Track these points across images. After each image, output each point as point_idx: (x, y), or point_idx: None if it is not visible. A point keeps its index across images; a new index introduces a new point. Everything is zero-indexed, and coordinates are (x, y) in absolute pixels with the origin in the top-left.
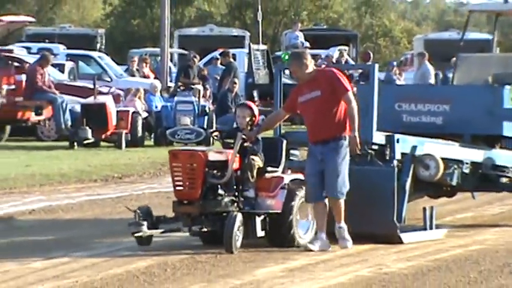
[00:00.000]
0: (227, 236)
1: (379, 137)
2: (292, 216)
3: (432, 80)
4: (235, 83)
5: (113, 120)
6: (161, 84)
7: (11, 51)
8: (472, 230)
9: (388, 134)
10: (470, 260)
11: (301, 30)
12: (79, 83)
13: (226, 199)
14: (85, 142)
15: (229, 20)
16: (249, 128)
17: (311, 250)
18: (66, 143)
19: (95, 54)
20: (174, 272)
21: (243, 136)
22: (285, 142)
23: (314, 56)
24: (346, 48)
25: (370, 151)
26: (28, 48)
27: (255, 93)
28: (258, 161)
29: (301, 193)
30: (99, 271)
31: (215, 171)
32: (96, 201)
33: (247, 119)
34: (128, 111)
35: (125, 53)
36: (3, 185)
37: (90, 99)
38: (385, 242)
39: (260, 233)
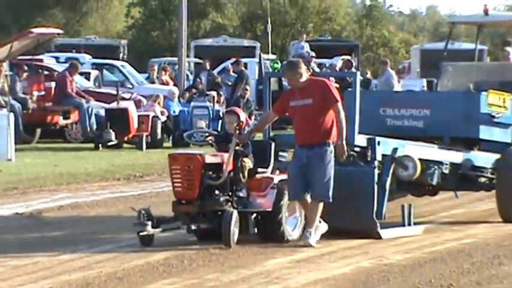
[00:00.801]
0: (225, 232)
1: (361, 140)
2: (281, 214)
3: (396, 84)
4: (247, 90)
5: (134, 123)
6: (179, 90)
7: (41, 60)
8: (465, 225)
9: (369, 136)
10: (463, 252)
11: (307, 41)
12: (103, 90)
13: (222, 199)
14: (109, 144)
15: (241, 31)
16: (237, 132)
17: (312, 246)
18: (92, 145)
19: (118, 63)
20: (191, 263)
21: (237, 140)
22: (273, 144)
23: (319, 65)
24: (349, 57)
25: (352, 152)
26: (56, 58)
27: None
28: (248, 163)
29: (287, 193)
30: (122, 262)
31: (211, 173)
32: (119, 198)
33: (235, 124)
34: (148, 115)
35: (146, 62)
36: (34, 184)
37: (114, 105)
38: (365, 238)
39: (253, 230)
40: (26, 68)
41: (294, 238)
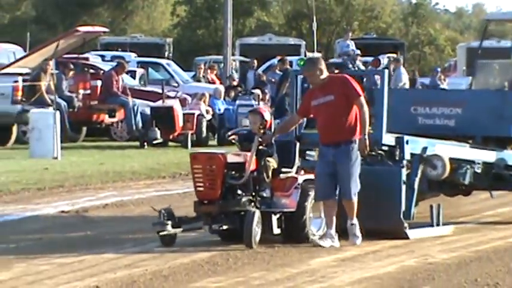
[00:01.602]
0: (247, 232)
1: (389, 139)
2: (305, 214)
3: (406, 82)
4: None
5: (179, 122)
6: (224, 88)
7: (87, 59)
8: (511, 224)
9: (398, 135)
10: (509, 250)
11: (352, 39)
12: (149, 88)
13: (244, 198)
14: (154, 142)
15: (287, 29)
16: (261, 131)
17: (321, 246)
18: (137, 143)
19: (163, 61)
20: (236, 261)
21: (259, 139)
22: (298, 144)
23: (364, 63)
24: (395, 55)
25: (380, 152)
26: (102, 56)
27: None
28: (272, 163)
29: (313, 192)
30: (167, 261)
31: (233, 173)
32: (164, 196)
33: (258, 123)
34: (194, 113)
35: (191, 60)
36: (80, 182)
37: (159, 103)
38: (392, 238)
39: (276, 230)
40: (72, 66)
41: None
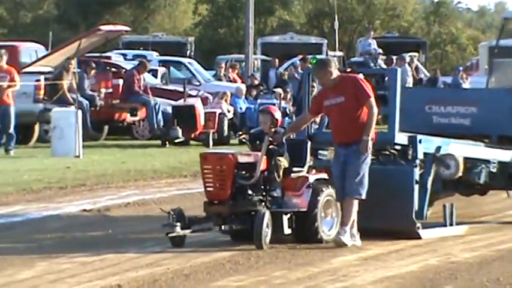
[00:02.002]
0: (257, 233)
1: (401, 138)
2: (317, 214)
3: (410, 80)
4: (313, 87)
5: (201, 120)
6: (246, 87)
7: (109, 57)
8: None
9: (410, 134)
10: None
11: (374, 38)
12: (170, 87)
13: (255, 199)
14: (176, 141)
15: (308, 28)
16: (272, 130)
17: (343, 243)
18: (159, 142)
19: (185, 60)
20: (257, 260)
21: (270, 138)
22: (309, 143)
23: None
24: (416, 54)
25: (392, 151)
26: (124, 55)
27: None
28: (283, 162)
29: (325, 191)
30: (189, 259)
31: (244, 173)
32: (186, 195)
33: (269, 123)
34: (215, 112)
35: (212, 59)
36: (101, 180)
37: (181, 102)
38: (405, 238)
39: (287, 230)
40: (94, 65)
41: (330, 239)
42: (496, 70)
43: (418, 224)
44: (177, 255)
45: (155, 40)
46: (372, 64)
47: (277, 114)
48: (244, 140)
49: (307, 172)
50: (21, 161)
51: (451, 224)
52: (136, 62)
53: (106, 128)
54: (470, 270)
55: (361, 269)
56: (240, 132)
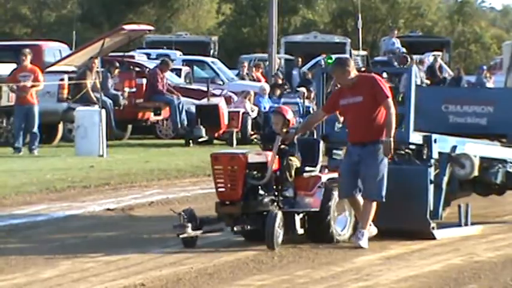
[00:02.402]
0: (269, 234)
1: (416, 137)
2: (330, 213)
3: (417, 80)
4: (337, 86)
5: (225, 120)
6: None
7: (132, 57)
8: None
9: (425, 134)
10: None
11: (397, 37)
12: (194, 86)
13: (267, 199)
14: (199, 140)
15: (332, 27)
16: (284, 131)
17: (362, 247)
18: (182, 141)
19: (208, 59)
20: (281, 259)
21: (282, 138)
22: (321, 143)
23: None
24: (440, 53)
25: (407, 150)
26: (148, 55)
27: None
28: (295, 162)
29: (337, 191)
30: (212, 258)
31: (255, 173)
32: (209, 194)
33: (281, 124)
34: (239, 111)
35: (236, 59)
36: (125, 179)
37: (204, 101)
38: (419, 238)
39: (300, 230)
40: (117, 64)
41: (344, 238)
42: None
43: (433, 224)
44: (201, 254)
45: (179, 39)
46: (395, 63)
47: (289, 115)
48: (256, 140)
49: (320, 171)
50: (45, 160)
51: (466, 224)
52: (159, 62)
53: (130, 127)
54: (494, 269)
55: (384, 268)
56: (252, 132)
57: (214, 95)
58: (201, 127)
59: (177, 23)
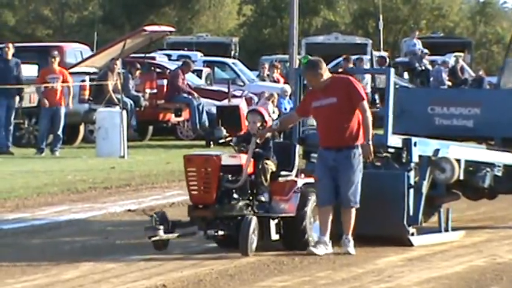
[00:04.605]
0: (243, 239)
1: (395, 140)
2: (305, 219)
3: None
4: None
5: (245, 121)
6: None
7: (153, 58)
8: None
9: (405, 137)
10: None
11: (419, 38)
12: (215, 87)
13: (241, 203)
14: (220, 141)
15: (353, 28)
16: (259, 132)
17: (315, 254)
18: (203, 142)
19: (229, 60)
20: (302, 260)
21: (257, 141)
22: (297, 147)
23: (431, 62)
24: (462, 54)
25: (386, 154)
26: (168, 56)
27: (377, 96)
28: (271, 165)
29: (314, 196)
30: (233, 260)
31: (229, 176)
32: None
33: (258, 124)
34: None
35: (257, 60)
36: (146, 181)
37: (225, 102)
38: (396, 245)
39: (274, 236)
40: (138, 65)
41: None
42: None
43: (413, 230)
44: (222, 255)
45: (199, 41)
46: (416, 64)
47: (267, 116)
48: (230, 143)
49: (296, 176)
50: (66, 162)
51: (446, 230)
52: (180, 63)
53: (150, 128)
54: None
55: (405, 270)
56: (227, 135)
57: (235, 96)
58: (222, 128)
59: (198, 24)
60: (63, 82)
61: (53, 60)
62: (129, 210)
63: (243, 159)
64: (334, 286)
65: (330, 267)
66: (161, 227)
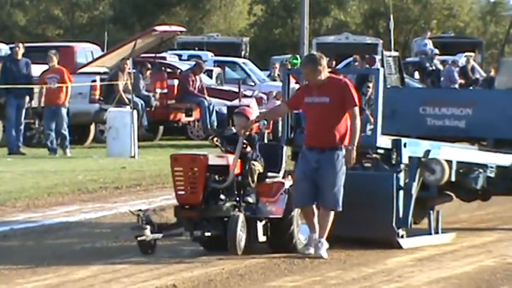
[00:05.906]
0: (231, 237)
1: (385, 141)
2: (293, 221)
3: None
4: (369, 87)
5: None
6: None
7: (164, 58)
8: None
9: (395, 138)
10: None
11: (429, 38)
12: (225, 87)
13: (228, 204)
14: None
15: (364, 28)
16: (246, 134)
17: (308, 255)
18: None
19: (240, 60)
20: (312, 260)
21: (244, 141)
22: (285, 148)
23: (442, 62)
24: (472, 54)
25: (375, 155)
26: (179, 56)
27: None
28: (258, 167)
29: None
30: (244, 259)
31: (216, 176)
32: None
33: (243, 126)
34: None
35: (267, 60)
36: (157, 180)
37: (236, 102)
38: (385, 247)
39: (261, 238)
40: (149, 65)
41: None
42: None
43: (402, 233)
44: (232, 255)
45: (210, 41)
46: (427, 64)
47: (253, 115)
48: (216, 143)
49: (283, 178)
50: (77, 161)
51: (436, 232)
52: (191, 63)
53: (161, 128)
54: None
55: (416, 270)
56: (212, 135)
57: (245, 96)
58: (232, 128)
59: (209, 24)
60: (61, 81)
61: (50, 59)
62: (140, 210)
63: (230, 159)
64: (345, 286)
65: (341, 267)
66: (147, 226)
